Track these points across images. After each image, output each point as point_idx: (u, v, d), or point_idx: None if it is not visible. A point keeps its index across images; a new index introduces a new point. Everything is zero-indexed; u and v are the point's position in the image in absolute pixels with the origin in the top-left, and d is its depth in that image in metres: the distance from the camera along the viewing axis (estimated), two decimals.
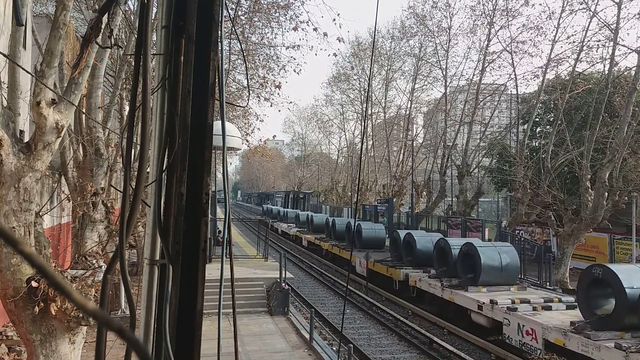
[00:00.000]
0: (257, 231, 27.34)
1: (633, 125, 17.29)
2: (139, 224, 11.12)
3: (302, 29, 16.07)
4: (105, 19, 3.00)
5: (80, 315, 4.68)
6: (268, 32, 18.36)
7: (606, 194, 17.40)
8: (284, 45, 30.57)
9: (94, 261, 7.97)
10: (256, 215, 60.86)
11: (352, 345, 11.66)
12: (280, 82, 18.52)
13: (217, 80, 2.08)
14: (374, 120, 44.15)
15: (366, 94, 44.14)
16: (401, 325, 15.79)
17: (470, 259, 15.19)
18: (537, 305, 13.03)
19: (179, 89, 2.03)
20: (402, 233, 20.87)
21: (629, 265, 12.53)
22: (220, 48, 2.11)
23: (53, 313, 4.54)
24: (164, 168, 2.04)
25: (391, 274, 19.45)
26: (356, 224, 26.07)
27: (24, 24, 6.40)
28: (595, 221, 17.59)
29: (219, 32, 2.08)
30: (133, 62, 2.81)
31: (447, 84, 34.91)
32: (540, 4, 75.86)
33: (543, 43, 63.83)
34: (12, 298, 4.40)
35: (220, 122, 2.34)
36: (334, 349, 12.63)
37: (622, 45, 20.66)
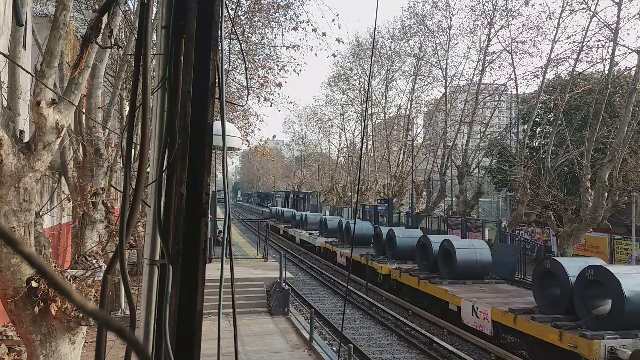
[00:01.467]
0: (257, 231, 27.19)
1: (633, 125, 17.28)
2: (139, 224, 11.12)
3: (302, 29, 16.09)
4: (105, 19, 3.00)
5: (81, 315, 4.68)
6: (268, 32, 18.39)
7: (606, 194, 17.39)
8: (284, 46, 30.59)
9: (94, 261, 7.97)
10: (260, 217, 60.06)
11: (352, 345, 11.66)
12: (280, 82, 18.54)
13: (217, 80, 2.08)
14: (374, 120, 44.15)
15: (366, 94, 44.15)
16: (401, 325, 15.78)
17: None
18: None
19: (179, 89, 2.03)
20: (573, 263, 11.86)
21: None
22: (220, 48, 2.11)
23: (53, 313, 4.54)
24: (164, 168, 2.04)
25: (575, 345, 10.21)
26: (444, 242, 17.54)
27: (24, 24, 6.40)
28: (595, 221, 17.58)
29: (219, 32, 2.08)
30: (133, 62, 2.81)
31: (447, 84, 34.95)
32: (540, 4, 75.92)
33: (543, 43, 63.89)
34: (12, 298, 4.40)
35: (220, 122, 2.34)
36: (334, 349, 12.63)
37: (622, 45, 20.66)
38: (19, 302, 4.43)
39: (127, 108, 12.05)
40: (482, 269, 16.93)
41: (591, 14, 20.16)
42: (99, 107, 10.05)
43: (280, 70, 19.75)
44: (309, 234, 34.40)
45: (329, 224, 31.44)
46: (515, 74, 27.74)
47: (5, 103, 4.75)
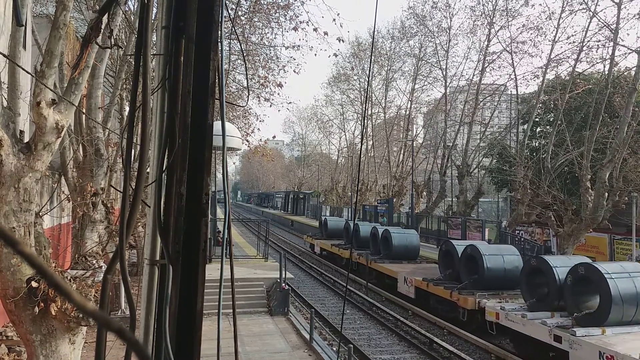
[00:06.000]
0: (257, 231, 27.15)
1: (633, 125, 17.27)
2: (139, 224, 11.11)
3: (302, 29, 16.09)
4: (105, 19, 3.00)
5: (80, 315, 4.67)
6: (268, 33, 18.39)
7: (606, 194, 17.38)
8: (283, 46, 30.57)
9: (94, 261, 7.96)
10: (260, 218, 59.38)
11: (352, 346, 11.64)
12: (280, 82, 18.54)
13: (217, 80, 2.08)
14: (374, 121, 44.15)
15: (366, 94, 44.14)
16: (401, 326, 15.78)
17: None
18: None
19: (179, 89, 2.02)
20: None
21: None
22: (220, 48, 2.10)
23: (53, 313, 4.54)
24: (164, 168, 2.04)
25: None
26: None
27: (24, 24, 6.40)
28: (595, 221, 17.58)
29: (219, 32, 2.08)
30: (133, 63, 2.82)
31: (447, 84, 34.98)
32: (540, 4, 75.88)
33: (543, 43, 63.92)
34: (12, 298, 4.39)
35: (220, 122, 2.34)
36: (334, 349, 12.63)
37: (622, 45, 20.63)
38: (19, 302, 4.43)
39: (127, 108, 12.05)
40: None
41: (591, 14, 20.18)
42: (99, 108, 10.03)
43: (280, 70, 19.79)
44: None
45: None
46: (515, 74, 27.81)
47: (5, 103, 4.75)
